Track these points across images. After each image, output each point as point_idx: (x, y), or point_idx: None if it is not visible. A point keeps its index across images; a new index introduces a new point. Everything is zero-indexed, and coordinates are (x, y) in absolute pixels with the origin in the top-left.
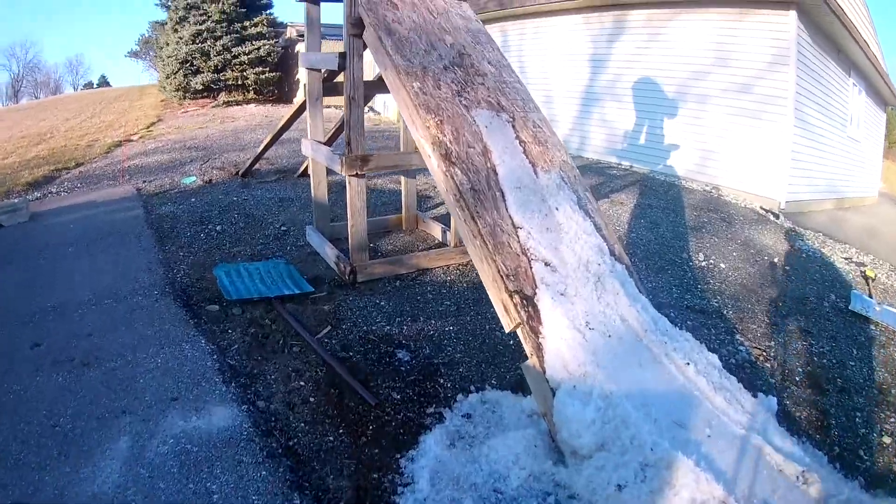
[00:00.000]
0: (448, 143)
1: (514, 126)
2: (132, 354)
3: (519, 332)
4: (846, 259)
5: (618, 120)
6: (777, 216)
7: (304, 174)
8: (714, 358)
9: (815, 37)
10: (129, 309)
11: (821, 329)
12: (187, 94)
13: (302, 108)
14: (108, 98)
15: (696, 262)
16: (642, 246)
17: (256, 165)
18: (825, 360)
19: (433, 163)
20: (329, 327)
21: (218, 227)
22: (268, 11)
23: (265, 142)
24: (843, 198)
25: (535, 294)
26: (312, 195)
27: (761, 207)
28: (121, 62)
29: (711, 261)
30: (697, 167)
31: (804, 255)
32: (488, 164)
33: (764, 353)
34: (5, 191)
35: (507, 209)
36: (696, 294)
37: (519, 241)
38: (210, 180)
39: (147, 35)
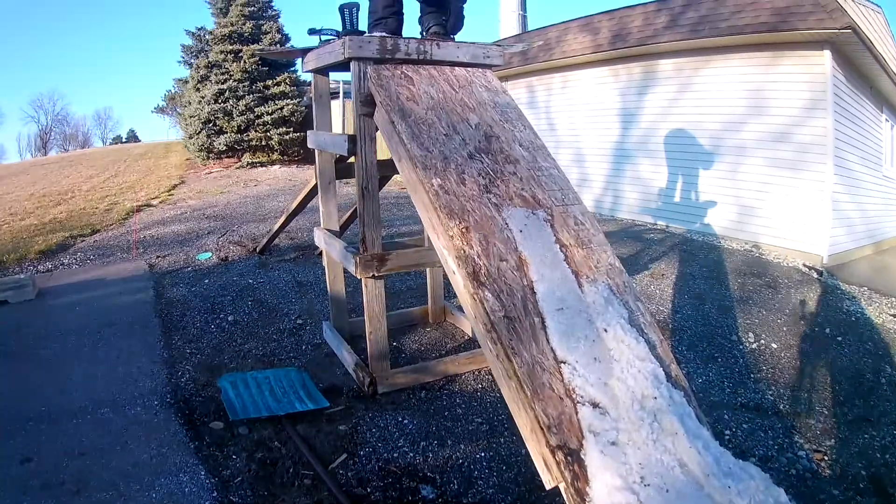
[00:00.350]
0: (476, 256)
1: (552, 226)
2: (125, 484)
3: (562, 490)
4: (894, 316)
5: (651, 177)
6: (820, 273)
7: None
8: (781, 495)
9: (849, 76)
10: (126, 423)
11: (881, 414)
12: (211, 155)
13: (314, 192)
14: (134, 155)
15: (747, 343)
16: (688, 329)
17: (275, 240)
18: (888, 456)
19: (458, 281)
20: (345, 455)
21: (230, 318)
22: (290, 69)
23: (280, 221)
24: (881, 240)
25: (582, 447)
26: (329, 289)
27: (804, 265)
28: (148, 117)
29: (762, 341)
30: (736, 224)
31: (854, 318)
32: (524, 282)
33: (825, 457)
34: (18, 258)
35: (548, 340)
36: (749, 387)
37: (563, 381)
38: (226, 257)
39: (172, 91)
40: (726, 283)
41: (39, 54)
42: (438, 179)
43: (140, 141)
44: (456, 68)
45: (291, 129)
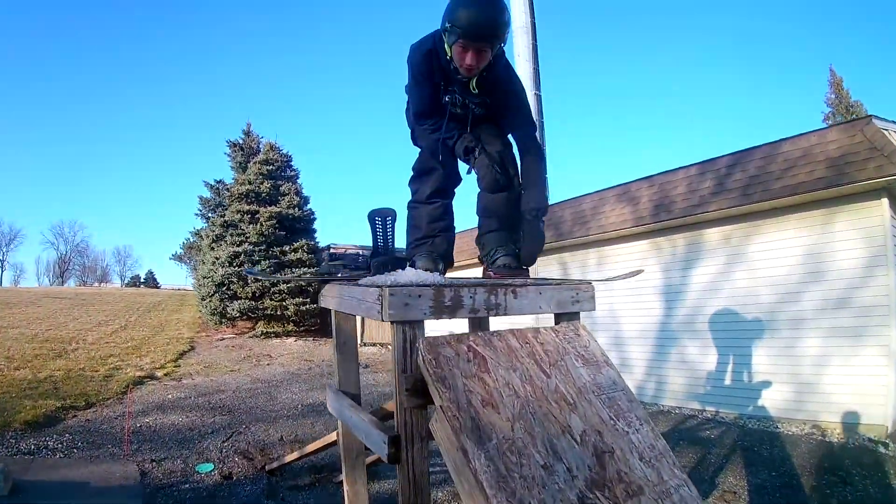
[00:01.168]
0: None
1: None
2: None
3: None
4: None
5: (698, 359)
6: (886, 445)
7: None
8: None
9: None
10: None
11: None
12: (224, 319)
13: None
14: (148, 304)
15: None
16: None
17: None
18: None
19: None
20: None
21: None
22: (309, 237)
23: (292, 456)
24: None
25: None
26: None
27: (870, 440)
28: (167, 263)
29: None
30: (793, 404)
31: None
32: None
33: None
34: (2, 424)
35: None
36: None
37: None
38: (230, 474)
39: (190, 241)
40: (801, 490)
41: (63, 181)
42: None
43: (158, 284)
44: (541, 331)
45: (308, 300)
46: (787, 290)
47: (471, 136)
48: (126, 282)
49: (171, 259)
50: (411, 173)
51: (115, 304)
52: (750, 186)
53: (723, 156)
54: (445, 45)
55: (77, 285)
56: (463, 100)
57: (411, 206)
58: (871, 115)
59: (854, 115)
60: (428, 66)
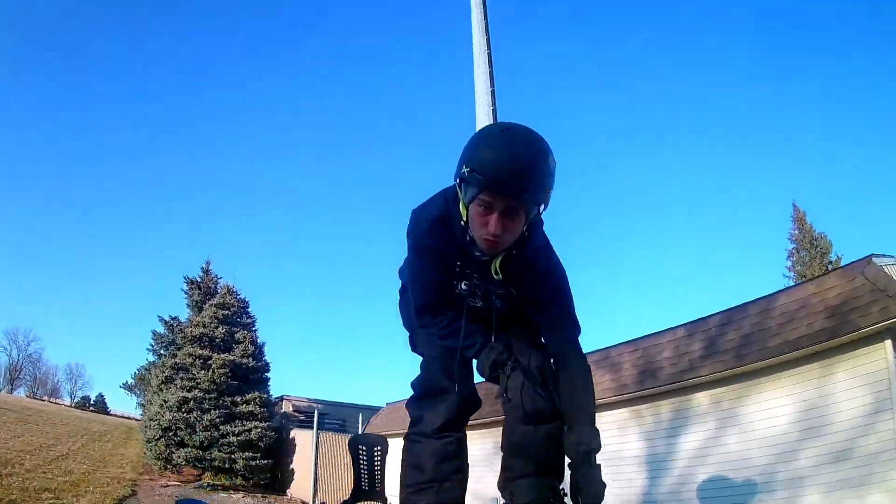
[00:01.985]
0: None
1: None
2: None
3: None
4: None
5: None
6: None
7: None
8: None
9: None
10: None
11: None
12: (169, 465)
13: None
14: (94, 433)
15: None
16: None
17: None
18: None
19: None
20: None
21: None
22: (262, 389)
23: None
24: None
25: None
26: None
27: None
28: (117, 390)
29: None
30: None
31: None
32: None
33: None
34: None
35: None
36: None
37: None
38: None
39: (141, 372)
40: None
41: (21, 289)
42: None
43: (108, 409)
44: None
45: (259, 455)
46: (784, 449)
47: (499, 344)
48: (76, 401)
49: (121, 387)
50: (411, 391)
51: (62, 425)
52: (744, 346)
53: (713, 314)
54: (461, 205)
55: (27, 395)
56: (484, 288)
57: (412, 438)
58: (870, 255)
59: (819, 248)
60: (439, 239)
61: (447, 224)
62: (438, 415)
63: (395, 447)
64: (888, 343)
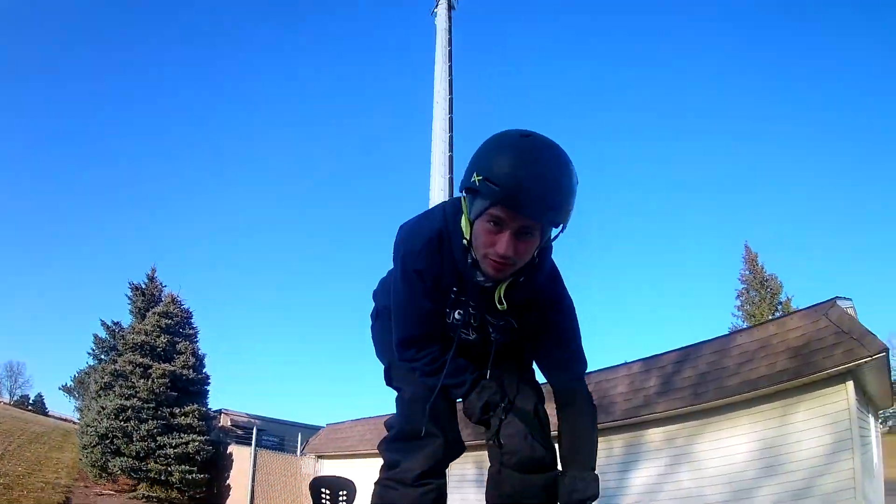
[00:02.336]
0: None
1: None
2: None
3: None
4: None
5: None
6: None
7: None
8: None
9: (860, 401)
10: None
11: None
12: (104, 473)
13: None
14: (30, 434)
15: None
16: None
17: None
18: None
19: None
20: None
21: None
22: (201, 401)
23: None
24: None
25: None
26: None
27: None
28: (57, 391)
29: None
30: None
31: None
32: None
33: None
34: None
35: None
36: None
37: None
38: None
39: (80, 375)
40: None
41: None
42: None
43: (46, 410)
44: None
45: (196, 469)
46: (741, 487)
47: (492, 382)
48: (15, 399)
49: (59, 389)
50: (385, 431)
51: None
52: (700, 385)
53: (669, 351)
54: (464, 221)
55: None
56: (481, 319)
57: (387, 484)
58: (834, 298)
59: (770, 289)
60: (434, 261)
61: (445, 243)
62: (417, 461)
63: (333, 469)
64: (850, 384)
